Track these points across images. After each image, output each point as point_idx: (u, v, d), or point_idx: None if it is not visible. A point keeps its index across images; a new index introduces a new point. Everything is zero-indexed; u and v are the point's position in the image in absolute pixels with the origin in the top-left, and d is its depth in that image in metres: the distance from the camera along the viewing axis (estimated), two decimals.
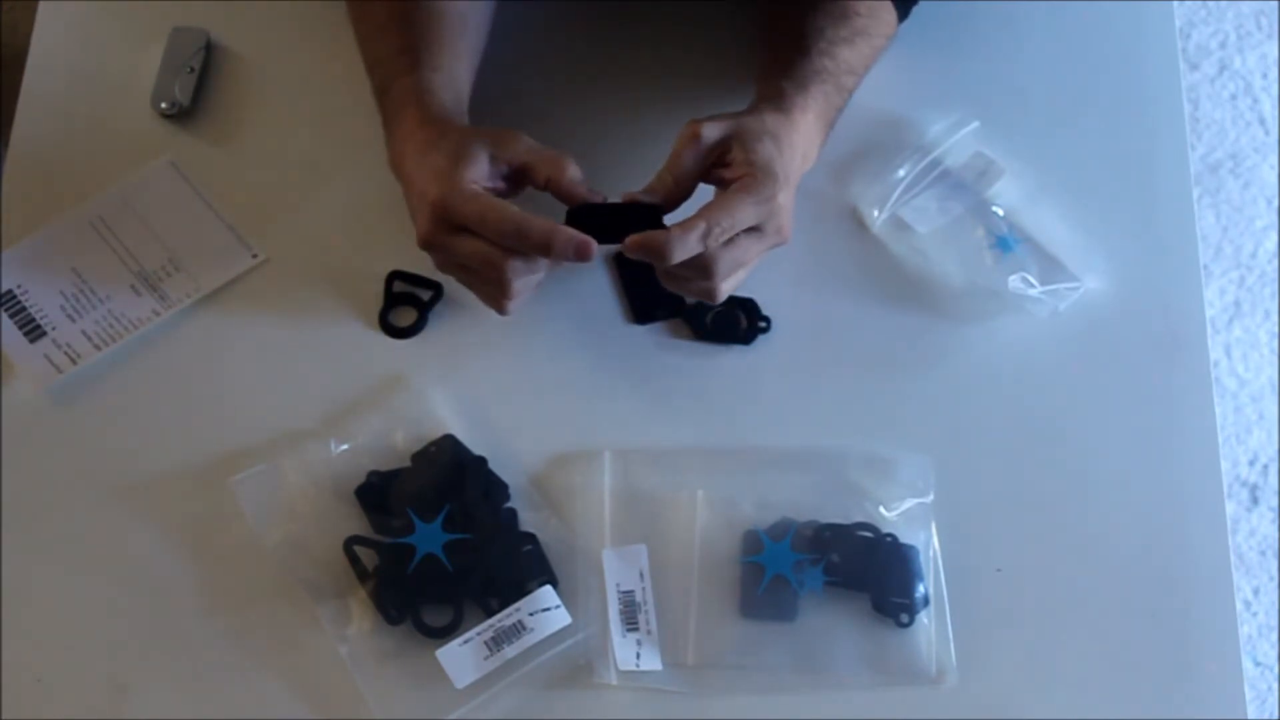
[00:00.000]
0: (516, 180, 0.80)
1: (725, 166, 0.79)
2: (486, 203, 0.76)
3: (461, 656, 0.76)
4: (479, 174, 0.78)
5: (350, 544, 0.79)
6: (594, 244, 0.75)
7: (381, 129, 0.83)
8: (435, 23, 0.84)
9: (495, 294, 0.79)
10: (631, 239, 0.75)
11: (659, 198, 0.79)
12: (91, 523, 0.82)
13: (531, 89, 0.94)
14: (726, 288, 0.79)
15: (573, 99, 0.94)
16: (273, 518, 0.80)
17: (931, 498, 0.82)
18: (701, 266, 0.77)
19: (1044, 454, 0.85)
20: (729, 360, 0.87)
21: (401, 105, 0.82)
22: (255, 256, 0.89)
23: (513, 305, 0.79)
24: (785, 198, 0.78)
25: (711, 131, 0.78)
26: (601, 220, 0.77)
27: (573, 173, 0.79)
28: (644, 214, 0.78)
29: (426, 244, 0.78)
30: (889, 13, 0.87)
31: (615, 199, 0.79)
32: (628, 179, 0.81)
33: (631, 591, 0.79)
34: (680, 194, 0.79)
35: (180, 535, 0.81)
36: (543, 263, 0.78)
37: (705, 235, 0.75)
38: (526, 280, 0.78)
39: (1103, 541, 0.82)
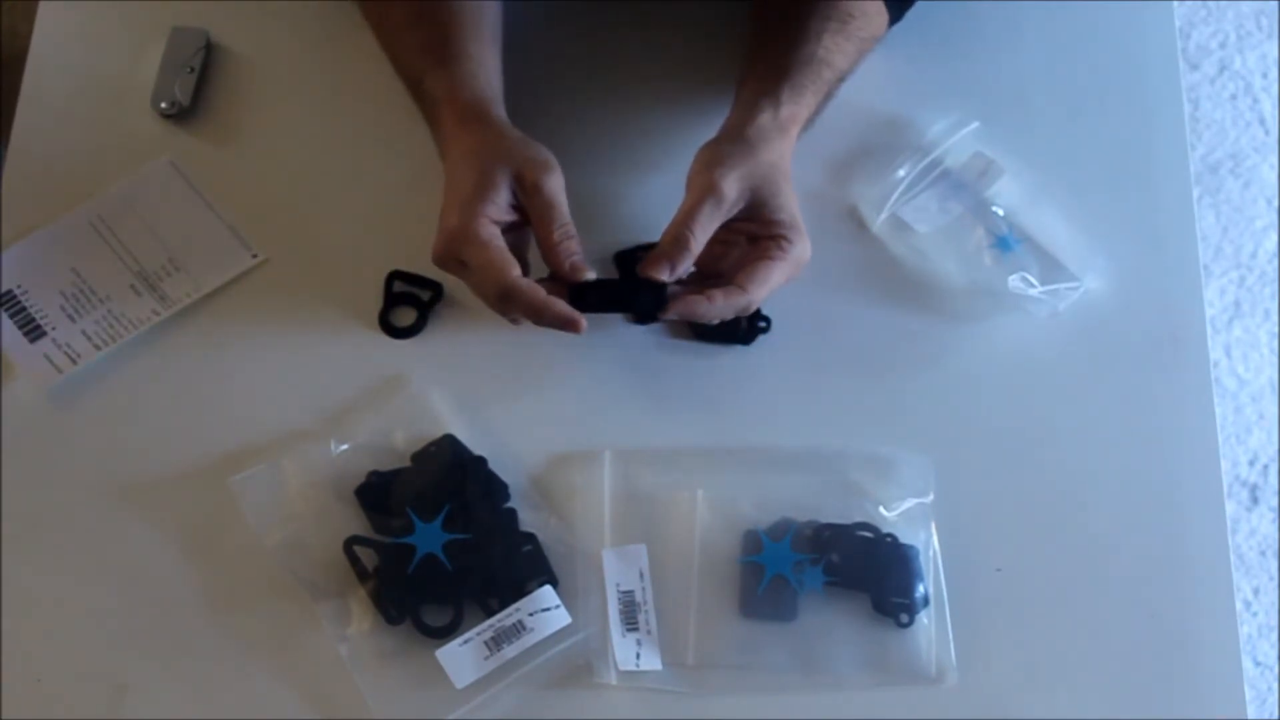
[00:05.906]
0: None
1: (748, 220, 0.80)
2: (488, 256, 0.76)
3: (461, 656, 0.77)
4: (497, 207, 0.77)
5: (350, 544, 0.79)
6: (584, 322, 0.76)
7: (383, 129, 0.83)
8: (456, 18, 0.84)
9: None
10: (675, 305, 0.77)
11: (678, 261, 0.77)
12: (91, 523, 0.81)
13: (536, 88, 0.94)
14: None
15: (573, 97, 0.94)
16: (273, 518, 0.80)
17: (931, 498, 0.82)
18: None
19: (1044, 454, 0.85)
20: (729, 360, 0.87)
21: (437, 102, 0.82)
22: (255, 256, 0.89)
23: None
24: (808, 247, 0.80)
25: (731, 189, 0.78)
26: (604, 294, 0.79)
27: (567, 250, 0.78)
28: (649, 289, 0.78)
29: (437, 263, 0.79)
30: (881, 14, 0.87)
31: (615, 202, 0.79)
32: (626, 179, 0.81)
33: (631, 591, 0.79)
34: (698, 251, 0.78)
35: (180, 535, 0.81)
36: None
37: (746, 309, 0.78)
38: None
39: (1102, 541, 0.82)
